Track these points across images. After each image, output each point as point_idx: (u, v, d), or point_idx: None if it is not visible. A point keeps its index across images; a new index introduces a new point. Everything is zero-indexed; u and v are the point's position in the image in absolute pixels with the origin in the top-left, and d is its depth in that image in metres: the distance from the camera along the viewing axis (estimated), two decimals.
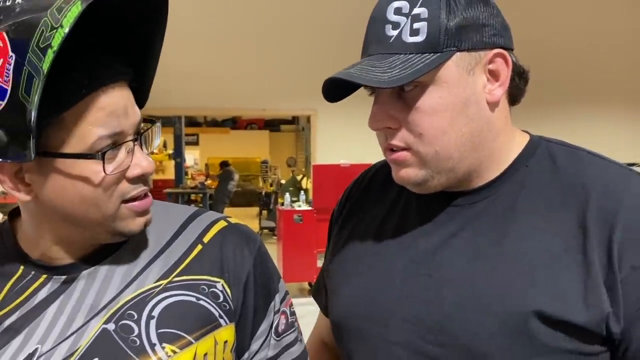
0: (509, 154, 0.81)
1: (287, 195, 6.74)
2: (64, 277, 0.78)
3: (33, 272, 0.78)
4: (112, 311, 0.76)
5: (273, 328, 0.86)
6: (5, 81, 0.65)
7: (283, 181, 11.27)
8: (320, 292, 1.04)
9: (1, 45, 0.65)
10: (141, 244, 0.83)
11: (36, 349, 0.73)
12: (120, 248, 0.81)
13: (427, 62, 0.72)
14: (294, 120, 15.51)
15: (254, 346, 0.85)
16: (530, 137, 0.84)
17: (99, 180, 0.72)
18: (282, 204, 6.72)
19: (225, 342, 0.80)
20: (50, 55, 0.63)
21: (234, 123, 17.69)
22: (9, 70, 0.65)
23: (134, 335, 0.74)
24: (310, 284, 6.30)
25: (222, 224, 0.87)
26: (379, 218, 0.89)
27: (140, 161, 0.75)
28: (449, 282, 0.77)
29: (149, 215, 0.79)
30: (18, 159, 0.68)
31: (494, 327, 0.72)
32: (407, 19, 0.74)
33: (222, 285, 0.81)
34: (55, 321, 0.75)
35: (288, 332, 0.88)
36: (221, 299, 0.81)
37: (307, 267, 5.99)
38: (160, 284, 0.79)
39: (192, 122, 16.91)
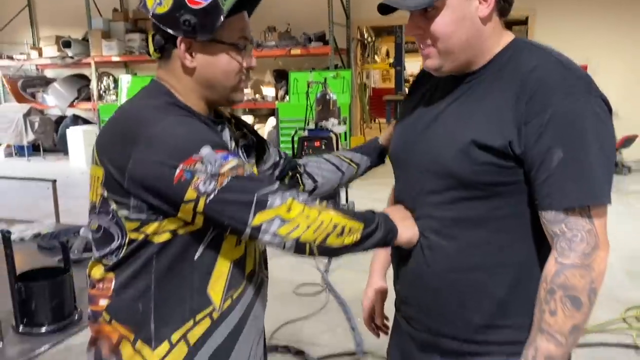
0: (495, 50, 1.22)
1: None
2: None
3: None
4: None
5: None
6: None
7: None
8: None
9: None
10: None
11: None
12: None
13: None
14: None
15: None
16: (514, 39, 1.24)
17: (236, 61, 1.20)
18: None
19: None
20: None
21: None
22: None
23: None
24: None
25: None
26: (418, 97, 1.36)
27: (253, 59, 1.25)
28: (442, 131, 1.23)
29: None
30: (203, 36, 1.15)
31: (455, 150, 1.18)
32: None
33: None
34: None
35: None
36: None
37: None
38: None
39: None
